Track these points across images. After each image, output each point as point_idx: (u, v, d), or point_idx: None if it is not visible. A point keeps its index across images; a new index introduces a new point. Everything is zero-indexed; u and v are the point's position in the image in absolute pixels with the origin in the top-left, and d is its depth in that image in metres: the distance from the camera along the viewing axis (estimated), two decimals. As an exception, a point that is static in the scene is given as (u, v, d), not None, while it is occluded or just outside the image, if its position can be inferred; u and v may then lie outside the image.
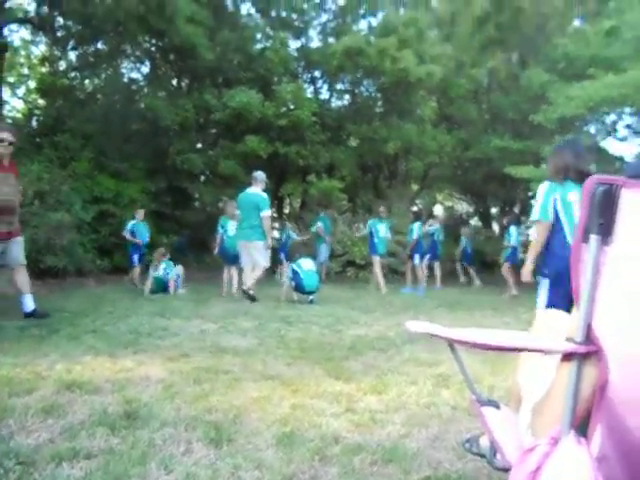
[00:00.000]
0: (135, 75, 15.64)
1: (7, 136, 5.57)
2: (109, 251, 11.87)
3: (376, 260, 10.89)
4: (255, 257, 8.10)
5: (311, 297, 8.32)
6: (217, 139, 14.87)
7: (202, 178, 15.06)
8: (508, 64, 15.34)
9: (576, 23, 14.77)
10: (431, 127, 15.19)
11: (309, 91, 15.31)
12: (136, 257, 10.64)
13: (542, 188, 3.58)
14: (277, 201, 17.33)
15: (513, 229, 11.08)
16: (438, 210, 21.16)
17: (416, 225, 11.45)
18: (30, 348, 4.22)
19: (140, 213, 10.85)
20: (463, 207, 22.35)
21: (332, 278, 12.09)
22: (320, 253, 12.35)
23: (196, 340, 4.92)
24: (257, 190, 8.34)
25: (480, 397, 1.82)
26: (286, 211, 19.04)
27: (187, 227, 14.30)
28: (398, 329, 5.72)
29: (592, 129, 13.82)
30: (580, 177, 3.46)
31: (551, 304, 3.33)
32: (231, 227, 9.65)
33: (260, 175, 8.51)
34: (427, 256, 11.47)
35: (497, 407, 1.81)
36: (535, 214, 3.60)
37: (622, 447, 1.23)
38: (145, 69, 15.61)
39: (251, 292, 7.87)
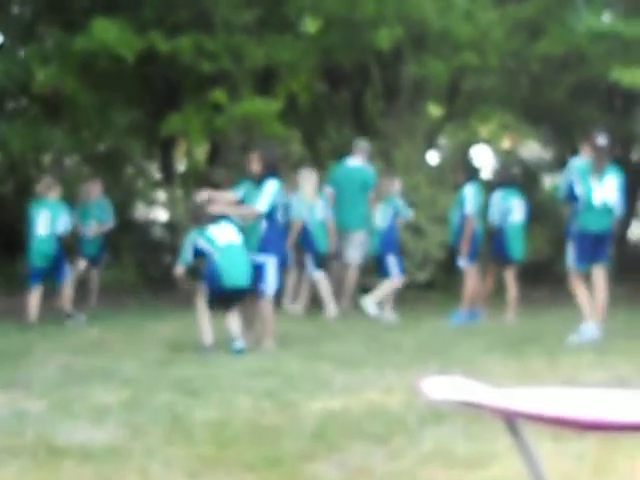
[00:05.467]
0: None
1: None
2: None
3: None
4: (349, 252, 11.51)
5: (237, 344, 8.28)
6: (31, 25, 14.62)
7: (6, 105, 14.83)
8: None
9: None
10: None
11: None
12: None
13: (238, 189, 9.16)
14: (161, 150, 17.19)
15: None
16: (484, 155, 21.28)
17: (469, 190, 11.56)
18: None
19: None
20: (533, 151, 22.54)
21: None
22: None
23: (5, 432, 4.89)
24: (360, 162, 11.74)
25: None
26: (181, 168, 18.89)
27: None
28: (410, 396, 5.75)
29: None
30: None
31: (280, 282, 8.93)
32: None
33: (363, 144, 11.91)
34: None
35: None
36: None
37: None
38: None
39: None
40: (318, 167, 13.84)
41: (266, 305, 8.76)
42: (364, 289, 13.48)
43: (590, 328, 9.17)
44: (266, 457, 4.34)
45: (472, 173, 12.28)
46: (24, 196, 14.24)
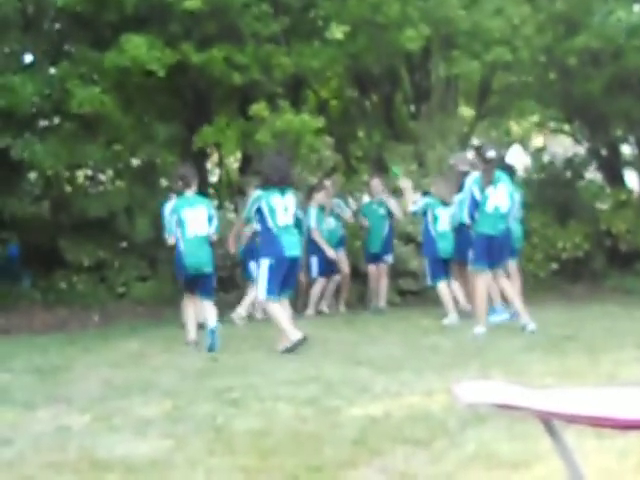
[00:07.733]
0: None
1: None
2: None
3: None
4: None
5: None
6: (61, 43, 14.67)
7: (40, 124, 14.89)
8: None
9: None
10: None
11: None
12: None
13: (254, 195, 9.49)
14: (195, 160, 17.19)
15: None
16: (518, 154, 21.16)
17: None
18: None
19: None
20: (566, 147, 22.35)
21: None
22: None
23: (49, 448, 4.89)
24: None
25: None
26: (214, 178, 18.91)
27: (14, 227, 14.20)
28: (450, 399, 5.72)
29: None
30: (281, 184, 9.14)
31: (270, 289, 8.83)
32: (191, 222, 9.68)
33: (462, 155, 12.41)
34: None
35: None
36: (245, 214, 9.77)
37: None
38: None
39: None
40: (349, 172, 13.82)
41: (269, 308, 9.09)
42: (400, 291, 13.50)
43: (480, 330, 9.72)
44: (308, 465, 4.34)
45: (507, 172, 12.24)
46: (60, 213, 14.33)
